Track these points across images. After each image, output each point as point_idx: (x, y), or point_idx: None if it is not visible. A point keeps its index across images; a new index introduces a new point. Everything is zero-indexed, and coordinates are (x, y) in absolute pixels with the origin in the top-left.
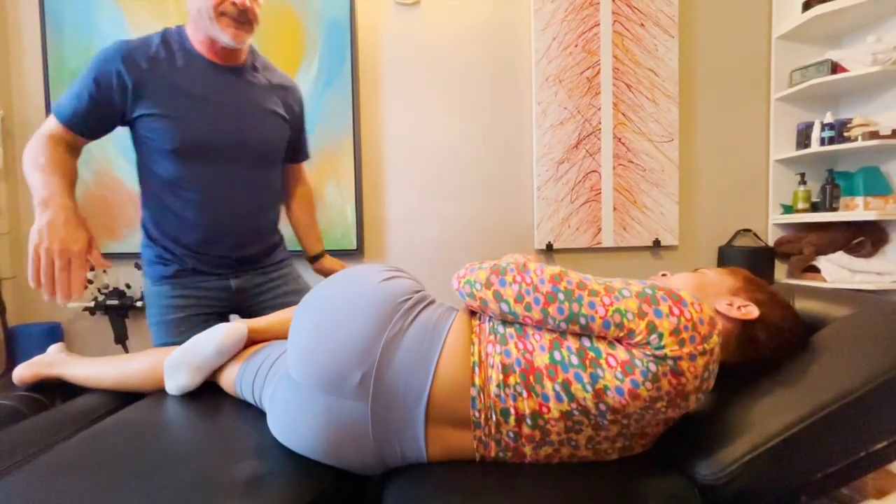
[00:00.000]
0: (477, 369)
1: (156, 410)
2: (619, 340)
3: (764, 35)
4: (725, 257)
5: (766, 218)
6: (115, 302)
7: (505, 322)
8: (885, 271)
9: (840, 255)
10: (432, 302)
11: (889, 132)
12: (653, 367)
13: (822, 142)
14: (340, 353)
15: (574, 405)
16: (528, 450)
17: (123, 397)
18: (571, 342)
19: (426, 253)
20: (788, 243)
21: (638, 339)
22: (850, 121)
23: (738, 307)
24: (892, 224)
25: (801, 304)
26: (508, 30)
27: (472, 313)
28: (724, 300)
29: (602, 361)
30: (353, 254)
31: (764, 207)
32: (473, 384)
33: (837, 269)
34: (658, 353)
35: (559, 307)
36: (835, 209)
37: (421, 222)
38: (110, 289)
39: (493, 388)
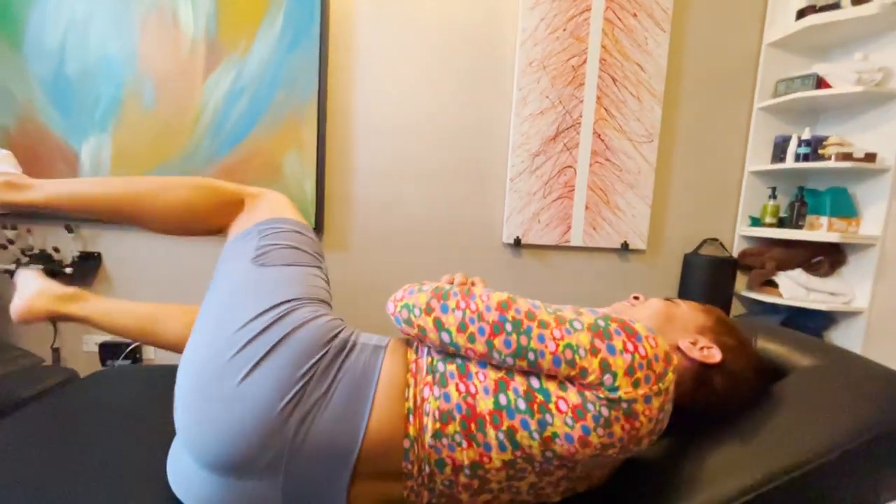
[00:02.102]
0: (411, 417)
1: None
2: (570, 380)
3: (755, 39)
4: (690, 265)
5: (734, 229)
6: (40, 267)
7: (446, 356)
8: (839, 292)
9: (799, 273)
10: (355, 344)
11: (862, 155)
12: (605, 412)
13: (797, 157)
14: (240, 444)
15: (519, 453)
16: (464, 497)
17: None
18: (519, 383)
19: (390, 238)
20: (752, 256)
21: (591, 378)
22: (826, 139)
23: (701, 347)
24: (852, 247)
25: (764, 345)
26: (495, 3)
27: (409, 343)
28: (689, 338)
29: (551, 406)
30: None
31: (733, 217)
32: (407, 435)
33: (794, 287)
34: (612, 395)
35: (506, 339)
36: (800, 226)
37: (387, 205)
38: (35, 251)
39: (427, 439)
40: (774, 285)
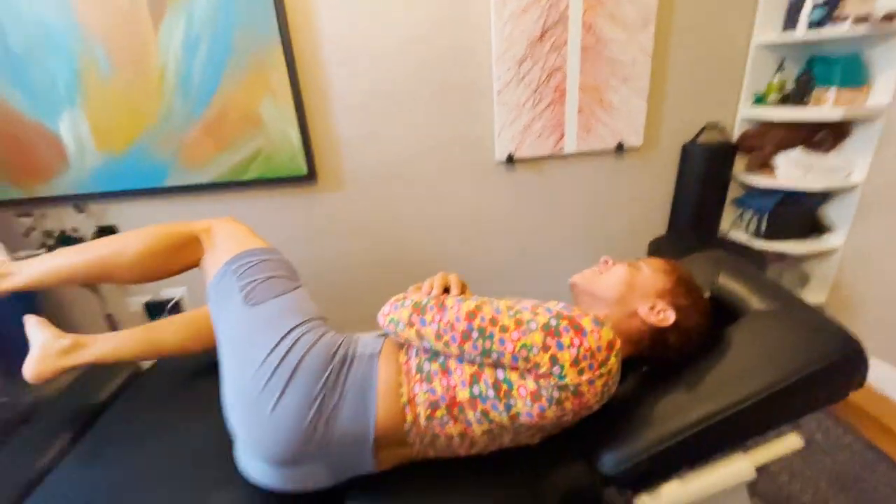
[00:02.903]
0: (407, 408)
1: (131, 416)
2: (528, 371)
3: None
4: (688, 155)
5: (736, 111)
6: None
7: (430, 356)
8: (838, 167)
9: (798, 153)
10: (354, 356)
11: (881, 16)
12: (556, 394)
13: (810, 25)
14: (286, 448)
15: (494, 425)
16: (461, 451)
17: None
18: (488, 375)
19: (383, 171)
20: (752, 138)
21: (543, 370)
22: None
23: (658, 311)
24: (858, 118)
25: (725, 282)
26: None
27: (400, 346)
28: (647, 303)
29: (514, 392)
30: (306, 180)
31: (735, 99)
32: (405, 421)
33: (791, 168)
34: (561, 382)
35: (474, 344)
36: (805, 103)
37: (376, 138)
38: (56, 234)
39: (422, 422)
40: (773, 168)
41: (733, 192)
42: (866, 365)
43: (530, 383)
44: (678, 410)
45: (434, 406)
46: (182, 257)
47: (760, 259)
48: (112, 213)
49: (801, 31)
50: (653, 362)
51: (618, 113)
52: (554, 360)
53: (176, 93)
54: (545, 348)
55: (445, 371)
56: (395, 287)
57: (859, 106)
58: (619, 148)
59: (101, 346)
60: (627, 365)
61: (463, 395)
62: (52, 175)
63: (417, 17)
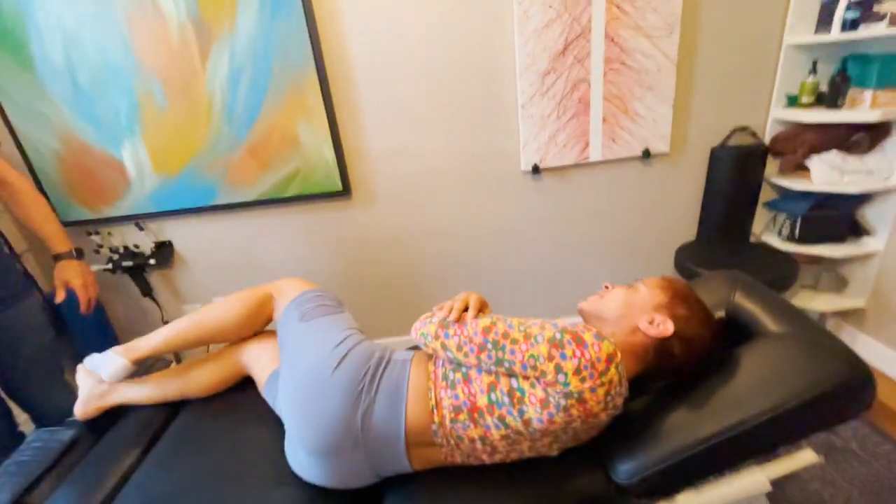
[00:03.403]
0: (435, 411)
1: (196, 427)
2: (536, 380)
3: None
4: (716, 159)
5: (767, 113)
6: (130, 263)
7: (454, 366)
8: (877, 169)
9: (833, 155)
10: (389, 360)
11: None
12: (562, 402)
13: (844, 25)
14: (330, 436)
15: (510, 430)
16: (485, 457)
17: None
18: (503, 384)
19: (415, 183)
20: (784, 140)
21: (549, 378)
22: None
23: (657, 324)
24: None
25: (741, 300)
26: None
27: (429, 357)
28: (646, 317)
29: (526, 399)
30: (341, 196)
31: (766, 101)
32: (433, 422)
33: (827, 171)
34: (565, 389)
35: (489, 354)
36: (839, 106)
37: (405, 153)
38: (121, 250)
39: (447, 424)
40: (807, 170)
41: (765, 195)
42: (874, 386)
43: (539, 392)
44: (688, 426)
45: (457, 410)
46: (266, 312)
47: (792, 263)
48: (168, 229)
49: (836, 33)
50: (663, 376)
51: (643, 121)
52: (558, 369)
53: (222, 119)
54: (550, 358)
55: (467, 380)
56: (425, 295)
57: None
58: (646, 154)
59: (130, 392)
60: (640, 382)
61: (482, 401)
62: (117, 197)
63: (441, 37)
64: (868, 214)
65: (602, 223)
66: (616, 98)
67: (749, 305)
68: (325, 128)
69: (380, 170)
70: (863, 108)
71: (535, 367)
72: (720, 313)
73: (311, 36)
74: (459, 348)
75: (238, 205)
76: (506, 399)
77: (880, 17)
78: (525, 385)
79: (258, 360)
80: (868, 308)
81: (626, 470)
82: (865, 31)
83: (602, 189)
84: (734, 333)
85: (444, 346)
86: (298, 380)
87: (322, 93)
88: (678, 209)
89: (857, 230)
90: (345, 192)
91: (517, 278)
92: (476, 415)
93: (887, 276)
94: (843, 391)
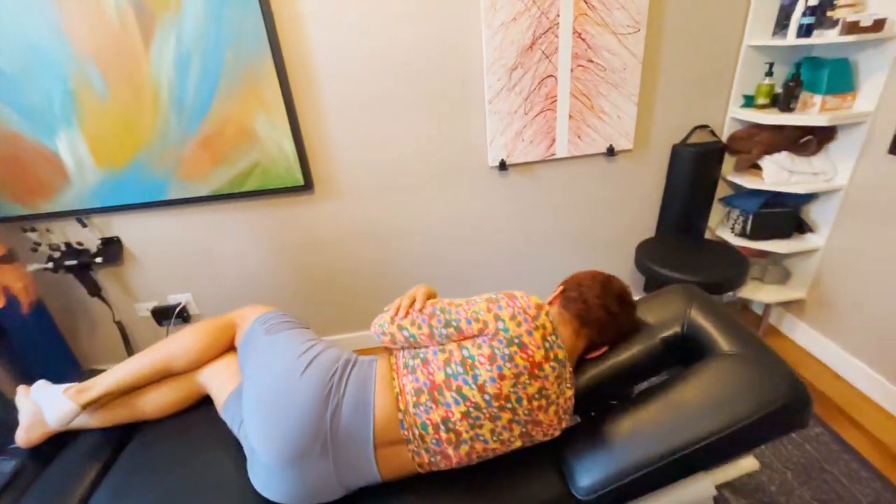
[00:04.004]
0: (399, 398)
1: (151, 451)
2: (481, 335)
3: None
4: (677, 155)
5: (726, 112)
6: (74, 261)
7: (412, 355)
8: (821, 171)
9: (784, 157)
10: (356, 361)
11: (871, 23)
12: (506, 350)
13: (800, 29)
14: (298, 438)
15: (468, 404)
16: (450, 451)
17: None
18: (457, 356)
19: (381, 178)
20: (740, 140)
21: (490, 328)
22: None
23: (554, 296)
24: (843, 124)
25: (696, 316)
26: None
27: (391, 353)
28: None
29: (476, 363)
30: (303, 190)
31: (725, 101)
32: (399, 409)
33: (777, 171)
34: (506, 335)
35: (438, 319)
36: (791, 109)
37: (370, 147)
38: (62, 248)
39: (410, 409)
40: (760, 168)
41: (722, 191)
42: (810, 406)
43: (486, 349)
44: (644, 445)
45: (419, 393)
46: (228, 336)
47: (744, 263)
48: (115, 226)
49: (791, 38)
50: (595, 332)
51: (608, 118)
52: (497, 318)
53: (171, 110)
54: (489, 310)
55: (425, 362)
56: (391, 289)
57: (845, 112)
58: (610, 151)
59: (84, 415)
60: (590, 351)
61: (440, 377)
62: (55, 191)
63: (406, 28)
64: (812, 213)
65: (567, 218)
66: (583, 95)
67: (703, 322)
68: (285, 120)
69: (344, 164)
70: (813, 111)
71: (477, 320)
72: (676, 328)
73: (266, 22)
74: (413, 323)
75: (192, 199)
76: (460, 369)
77: (833, 24)
78: (474, 350)
79: (216, 377)
80: (808, 299)
81: (585, 487)
82: (818, 38)
83: (568, 185)
84: (691, 349)
85: (399, 327)
86: (265, 388)
87: (280, 83)
88: (640, 204)
89: (801, 227)
90: (307, 186)
91: (483, 272)
92: (436, 393)
93: (826, 270)
94: (784, 412)
